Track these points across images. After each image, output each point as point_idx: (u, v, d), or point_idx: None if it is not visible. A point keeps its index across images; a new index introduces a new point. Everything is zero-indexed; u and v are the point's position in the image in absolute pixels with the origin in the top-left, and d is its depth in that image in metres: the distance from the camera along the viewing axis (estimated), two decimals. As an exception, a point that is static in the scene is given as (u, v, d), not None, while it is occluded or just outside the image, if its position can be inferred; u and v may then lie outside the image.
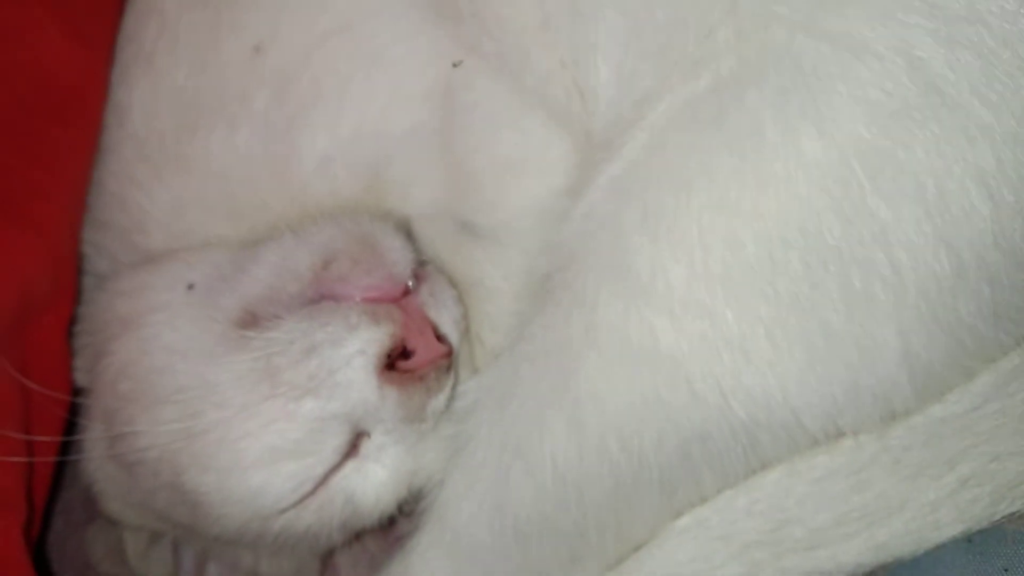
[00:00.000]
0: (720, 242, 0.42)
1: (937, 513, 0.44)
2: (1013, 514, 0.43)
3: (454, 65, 0.50)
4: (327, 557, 0.57)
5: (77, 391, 0.55)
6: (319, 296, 0.48)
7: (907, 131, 0.40)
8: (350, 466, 0.49)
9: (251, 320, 0.48)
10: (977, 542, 0.44)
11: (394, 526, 0.53)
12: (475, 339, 0.53)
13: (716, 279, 0.42)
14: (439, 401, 0.48)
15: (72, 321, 0.55)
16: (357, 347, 0.45)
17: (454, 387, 0.50)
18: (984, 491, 0.43)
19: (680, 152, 0.44)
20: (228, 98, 0.53)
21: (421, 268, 0.51)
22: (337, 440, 0.47)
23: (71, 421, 0.54)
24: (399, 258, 0.49)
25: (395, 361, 0.47)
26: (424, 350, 0.47)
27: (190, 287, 0.51)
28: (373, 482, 0.49)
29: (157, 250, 0.54)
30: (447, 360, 0.48)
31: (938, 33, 0.40)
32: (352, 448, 0.48)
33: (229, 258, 0.51)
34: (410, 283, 0.49)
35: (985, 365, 0.44)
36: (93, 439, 0.53)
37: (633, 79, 0.46)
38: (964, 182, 0.40)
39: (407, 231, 0.52)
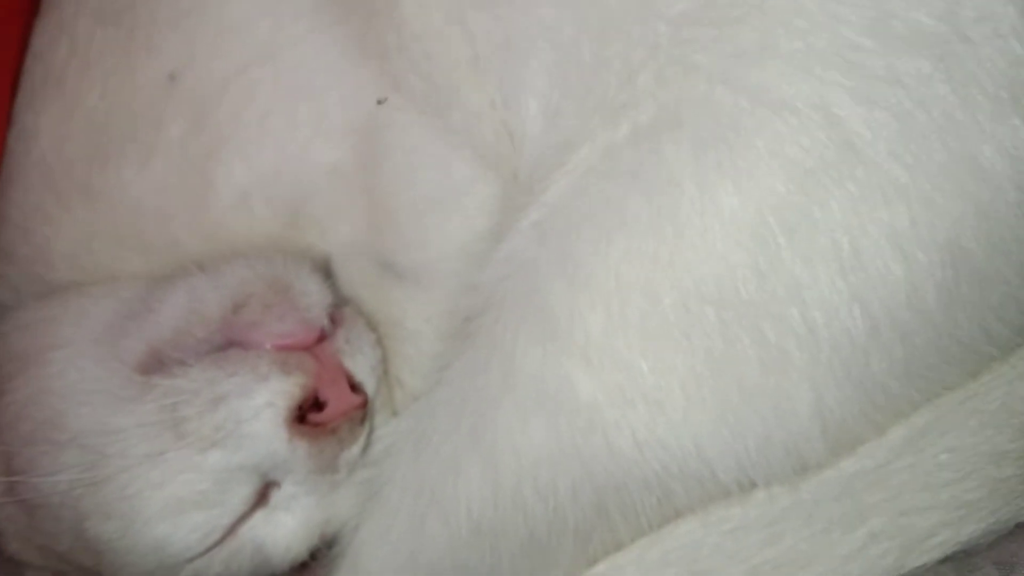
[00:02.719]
0: (637, 293, 0.42)
1: (847, 567, 0.44)
2: (920, 567, 0.44)
3: (379, 102, 0.48)
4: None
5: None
6: (228, 342, 0.46)
7: (823, 189, 0.40)
8: (259, 516, 0.47)
9: (157, 364, 0.46)
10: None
11: (307, 570, 0.51)
12: (395, 381, 0.52)
13: (632, 329, 0.42)
14: (352, 452, 0.47)
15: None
16: (266, 399, 0.44)
17: (370, 435, 0.49)
18: (893, 545, 0.44)
19: (599, 200, 0.43)
20: (142, 126, 0.50)
21: (338, 310, 0.49)
22: (245, 491, 0.46)
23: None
24: (313, 303, 0.47)
25: (307, 412, 0.45)
26: (337, 401, 0.46)
27: (97, 322, 0.48)
28: (283, 532, 0.47)
29: (62, 283, 0.51)
30: (361, 411, 0.47)
31: (856, 92, 0.40)
32: (261, 498, 0.47)
33: (137, 295, 0.49)
34: (326, 325, 0.48)
35: (896, 421, 0.44)
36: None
37: (557, 120, 0.45)
38: (879, 241, 0.40)
39: (325, 269, 0.51)
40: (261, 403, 0.44)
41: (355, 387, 0.47)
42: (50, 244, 0.51)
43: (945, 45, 0.40)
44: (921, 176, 0.40)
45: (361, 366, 0.48)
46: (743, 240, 0.41)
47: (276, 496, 0.47)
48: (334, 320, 0.49)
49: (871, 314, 0.41)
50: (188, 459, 0.44)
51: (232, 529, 0.47)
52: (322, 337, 0.47)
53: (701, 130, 0.41)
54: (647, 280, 0.41)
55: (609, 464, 0.43)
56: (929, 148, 0.40)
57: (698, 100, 0.41)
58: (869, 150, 0.40)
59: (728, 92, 0.41)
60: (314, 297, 0.47)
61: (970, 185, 0.40)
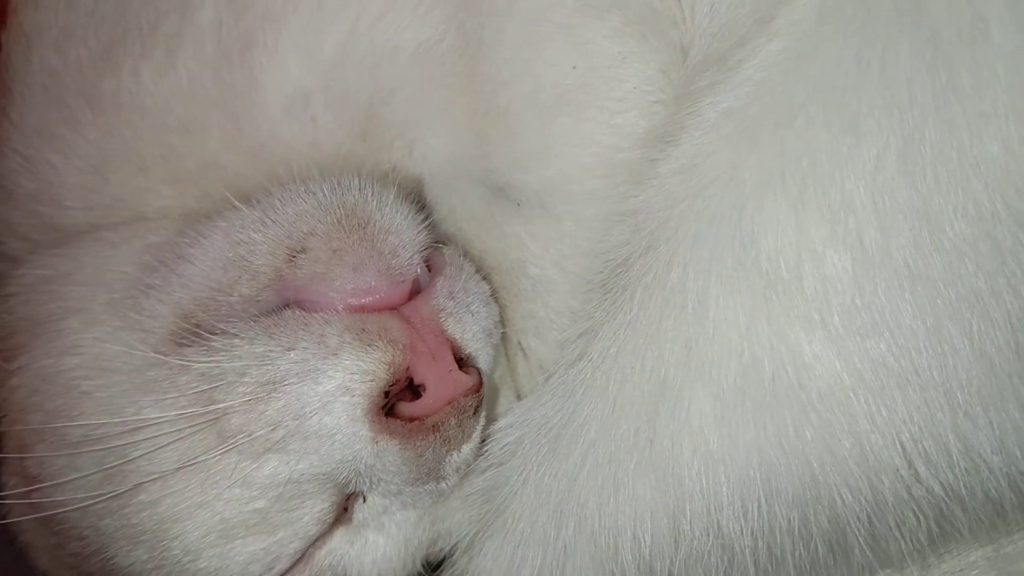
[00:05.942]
0: (912, 212, 0.28)
1: None
2: None
3: (480, -51, 0.35)
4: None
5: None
6: (284, 302, 0.33)
7: None
8: (340, 536, 0.35)
9: (191, 335, 0.33)
10: None
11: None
12: (515, 348, 0.38)
13: (901, 273, 0.29)
14: (463, 454, 0.33)
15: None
16: (338, 383, 0.31)
17: (487, 428, 0.35)
18: None
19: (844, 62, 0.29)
20: (164, 10, 0.39)
21: (436, 253, 0.36)
22: (318, 507, 0.34)
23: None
24: (402, 244, 0.34)
25: (395, 401, 0.32)
26: (439, 384, 0.32)
27: (116, 279, 0.36)
28: (373, 555, 0.36)
29: (76, 227, 0.40)
30: (474, 397, 0.33)
31: None
32: (342, 512, 0.35)
33: (165, 240, 0.37)
34: (421, 274, 0.34)
35: None
36: (11, 481, 0.40)
37: None
38: None
39: (417, 199, 0.38)
40: (332, 389, 0.31)
41: (464, 361, 0.34)
42: (58, 174, 0.40)
43: None
44: None
45: (472, 331, 0.34)
46: None
47: (361, 511, 0.35)
48: (431, 267, 0.35)
49: None
50: (235, 467, 0.32)
51: (304, 556, 0.35)
52: (414, 292, 0.34)
53: None
54: (927, 189, 0.27)
55: (855, 479, 0.28)
56: None
57: None
58: None
59: None
60: (403, 235, 0.34)
61: None
